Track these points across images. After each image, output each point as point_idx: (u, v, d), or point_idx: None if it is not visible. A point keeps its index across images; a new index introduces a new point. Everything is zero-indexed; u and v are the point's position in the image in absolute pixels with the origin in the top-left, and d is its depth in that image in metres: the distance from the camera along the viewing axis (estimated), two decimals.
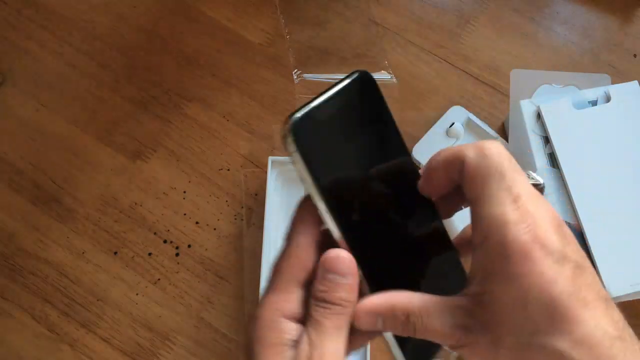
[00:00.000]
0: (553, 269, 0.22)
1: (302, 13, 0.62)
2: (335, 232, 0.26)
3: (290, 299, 0.25)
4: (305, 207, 0.26)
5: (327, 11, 0.62)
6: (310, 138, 0.27)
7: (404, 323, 0.25)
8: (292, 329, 0.25)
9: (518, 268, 0.22)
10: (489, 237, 0.23)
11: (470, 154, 0.25)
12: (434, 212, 0.30)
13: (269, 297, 0.26)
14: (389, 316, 0.25)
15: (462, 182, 0.25)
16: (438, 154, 0.26)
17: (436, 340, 0.25)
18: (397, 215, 0.29)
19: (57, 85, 0.60)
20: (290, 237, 0.26)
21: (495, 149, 0.24)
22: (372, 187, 0.28)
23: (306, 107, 0.27)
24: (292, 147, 0.26)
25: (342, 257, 0.25)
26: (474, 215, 0.25)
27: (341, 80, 0.28)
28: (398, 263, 0.28)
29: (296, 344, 0.25)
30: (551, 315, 0.22)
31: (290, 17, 0.61)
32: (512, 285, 0.22)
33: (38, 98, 0.59)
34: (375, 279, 0.27)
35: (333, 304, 0.25)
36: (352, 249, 0.26)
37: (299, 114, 0.27)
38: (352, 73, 0.28)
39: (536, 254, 0.22)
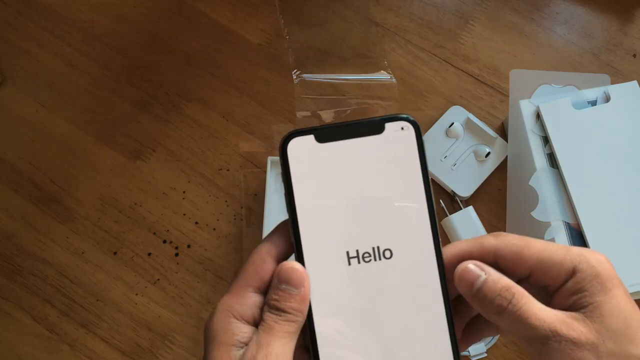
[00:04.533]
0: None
1: (302, 13, 0.62)
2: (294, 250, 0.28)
3: (243, 302, 0.27)
4: (281, 228, 0.29)
5: (326, 11, 0.62)
6: (305, 161, 0.28)
7: (505, 293, 0.26)
8: (242, 330, 0.27)
9: (612, 285, 0.26)
10: (579, 267, 0.26)
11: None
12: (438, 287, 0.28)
13: (224, 299, 0.28)
14: (492, 285, 0.26)
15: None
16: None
17: (521, 330, 0.25)
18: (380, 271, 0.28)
19: (57, 85, 0.60)
20: (256, 248, 0.28)
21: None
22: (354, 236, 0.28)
23: (319, 128, 0.28)
24: (281, 162, 0.28)
25: (296, 269, 0.27)
26: (553, 256, 0.27)
27: (382, 120, 0.28)
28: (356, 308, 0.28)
29: (246, 345, 0.26)
30: None
31: (289, 18, 0.61)
32: (612, 297, 0.25)
33: (38, 98, 0.59)
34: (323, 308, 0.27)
35: (284, 311, 0.27)
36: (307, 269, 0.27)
37: (301, 134, 0.28)
38: (399, 117, 0.28)
39: (618, 280, 0.26)
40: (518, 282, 0.28)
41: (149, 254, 0.55)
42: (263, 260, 0.28)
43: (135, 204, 0.56)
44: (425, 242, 0.28)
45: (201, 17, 0.62)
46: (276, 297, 0.27)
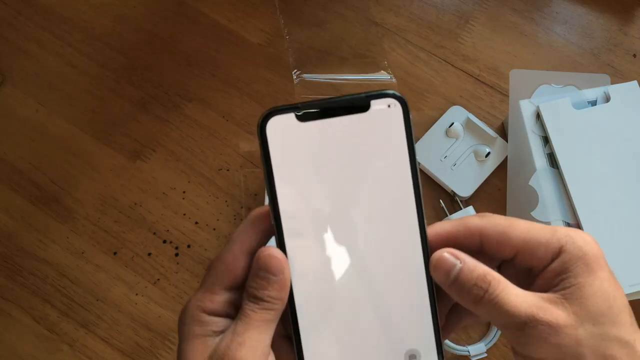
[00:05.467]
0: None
1: (302, 13, 0.62)
2: (275, 237, 0.27)
3: (214, 300, 0.26)
4: (253, 217, 0.27)
5: (326, 11, 0.62)
6: (285, 141, 0.26)
7: (482, 282, 0.25)
8: (215, 321, 0.26)
9: (597, 266, 0.25)
10: (565, 247, 0.26)
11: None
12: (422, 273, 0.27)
13: (196, 294, 0.27)
14: (467, 273, 0.26)
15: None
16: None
17: (498, 318, 0.25)
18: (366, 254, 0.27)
19: (57, 85, 0.60)
20: (228, 243, 0.27)
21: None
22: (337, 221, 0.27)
23: (299, 106, 0.26)
24: (260, 143, 0.26)
25: (274, 256, 0.26)
26: (536, 238, 0.26)
27: (367, 96, 0.26)
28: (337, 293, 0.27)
29: (222, 333, 0.26)
30: (629, 312, 0.25)
31: (289, 17, 0.61)
32: (596, 278, 0.25)
33: (38, 98, 0.59)
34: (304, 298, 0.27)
35: (262, 300, 0.26)
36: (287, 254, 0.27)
37: (280, 112, 0.26)
38: (385, 93, 0.26)
39: (604, 261, 0.26)
40: (503, 264, 0.28)
41: (149, 254, 0.55)
42: (235, 257, 0.27)
43: (135, 204, 0.56)
44: (410, 225, 0.27)
45: (201, 17, 0.62)
46: (254, 284, 0.26)
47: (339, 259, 0.27)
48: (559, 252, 0.26)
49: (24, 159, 0.58)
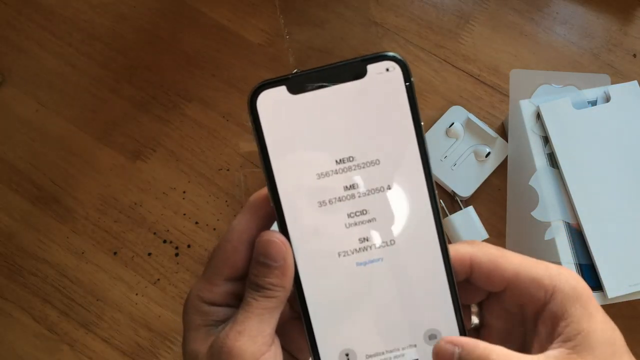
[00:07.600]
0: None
1: (302, 13, 0.62)
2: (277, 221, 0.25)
3: (213, 290, 0.26)
4: (252, 202, 0.26)
5: (326, 11, 0.62)
6: (278, 116, 0.25)
7: None
8: (216, 311, 0.26)
9: (594, 308, 0.24)
10: (559, 286, 0.25)
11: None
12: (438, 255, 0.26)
13: (196, 284, 0.26)
14: (466, 356, 0.24)
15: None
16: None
17: None
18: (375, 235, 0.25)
19: (57, 85, 0.60)
20: (228, 231, 0.26)
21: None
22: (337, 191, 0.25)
23: (290, 77, 0.24)
24: (251, 120, 0.25)
25: (274, 241, 0.25)
26: (527, 280, 0.25)
27: (363, 60, 0.24)
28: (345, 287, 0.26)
29: (223, 322, 0.26)
30: (627, 350, 0.24)
31: (289, 17, 0.61)
32: (597, 322, 0.24)
33: (38, 98, 0.59)
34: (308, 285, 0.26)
35: (263, 287, 0.25)
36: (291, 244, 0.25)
37: (271, 86, 0.24)
38: (383, 56, 0.24)
39: (595, 300, 0.25)
40: (489, 299, 0.27)
41: (149, 254, 0.55)
42: (234, 247, 0.26)
43: (135, 204, 0.56)
44: (421, 195, 0.25)
45: (201, 17, 0.62)
46: (255, 272, 0.25)
47: (348, 238, 0.25)
48: (552, 291, 0.25)
49: (24, 159, 0.58)
